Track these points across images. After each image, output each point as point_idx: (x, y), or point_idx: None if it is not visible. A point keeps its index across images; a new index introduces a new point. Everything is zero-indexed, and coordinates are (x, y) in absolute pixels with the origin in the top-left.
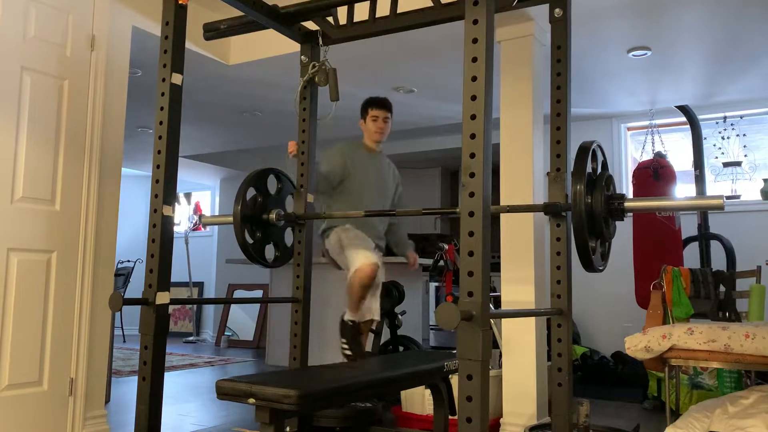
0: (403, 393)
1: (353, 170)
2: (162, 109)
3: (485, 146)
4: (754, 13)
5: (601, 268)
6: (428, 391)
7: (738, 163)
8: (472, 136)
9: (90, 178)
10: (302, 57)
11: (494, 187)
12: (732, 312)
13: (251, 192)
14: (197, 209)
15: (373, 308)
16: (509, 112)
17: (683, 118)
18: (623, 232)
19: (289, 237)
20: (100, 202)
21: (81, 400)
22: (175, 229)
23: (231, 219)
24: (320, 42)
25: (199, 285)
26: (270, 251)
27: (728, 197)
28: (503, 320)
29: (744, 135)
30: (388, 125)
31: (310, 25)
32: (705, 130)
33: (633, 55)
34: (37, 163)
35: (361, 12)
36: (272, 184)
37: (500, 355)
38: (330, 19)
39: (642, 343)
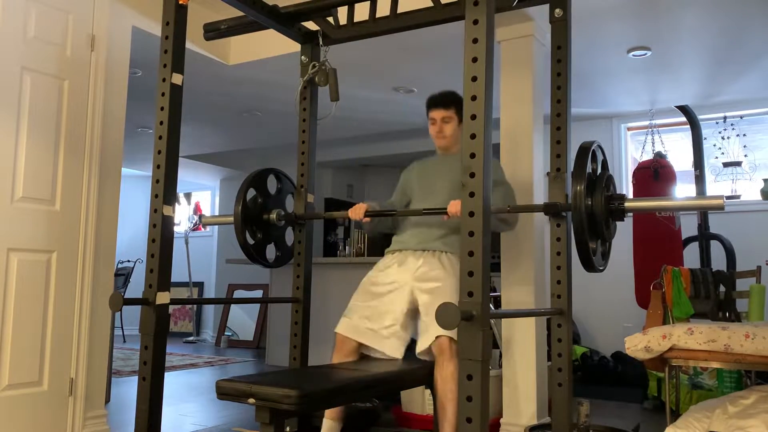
0: (403, 393)
1: (413, 186)
2: (162, 109)
3: (485, 146)
4: (754, 13)
5: (601, 268)
6: (428, 391)
7: (738, 163)
8: (472, 136)
9: (90, 178)
10: (302, 57)
11: None
12: (732, 312)
13: (251, 192)
14: (197, 209)
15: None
16: (509, 112)
17: (683, 118)
18: (623, 232)
19: (289, 237)
20: (100, 202)
21: (81, 400)
22: (175, 229)
23: (231, 219)
24: (320, 42)
25: (199, 285)
26: (270, 251)
27: (728, 197)
28: (503, 320)
29: (744, 135)
30: (452, 125)
31: (310, 25)
32: (705, 130)
33: (633, 55)
34: (37, 163)
35: (361, 12)
36: (272, 184)
37: (500, 355)
38: (330, 19)
39: (642, 343)
